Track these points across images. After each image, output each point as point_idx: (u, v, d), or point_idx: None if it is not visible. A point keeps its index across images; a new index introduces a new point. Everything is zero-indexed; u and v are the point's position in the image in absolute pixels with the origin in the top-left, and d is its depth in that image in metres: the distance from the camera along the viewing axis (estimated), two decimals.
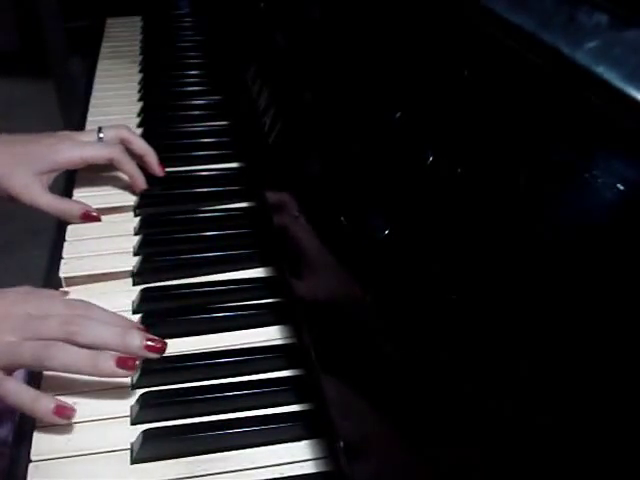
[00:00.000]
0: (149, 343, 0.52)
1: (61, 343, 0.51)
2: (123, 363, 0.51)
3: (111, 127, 0.76)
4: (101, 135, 0.74)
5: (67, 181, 0.77)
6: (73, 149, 0.71)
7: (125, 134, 0.75)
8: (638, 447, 0.27)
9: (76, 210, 0.70)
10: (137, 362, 0.52)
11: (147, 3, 1.27)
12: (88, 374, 0.51)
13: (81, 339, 0.51)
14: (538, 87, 0.39)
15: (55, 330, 0.51)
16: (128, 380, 0.53)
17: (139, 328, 0.54)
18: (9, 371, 0.51)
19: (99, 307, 0.55)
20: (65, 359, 0.50)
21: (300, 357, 0.55)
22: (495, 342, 0.35)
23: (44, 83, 2.12)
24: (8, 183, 0.68)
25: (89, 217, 0.71)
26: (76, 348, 0.51)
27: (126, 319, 0.56)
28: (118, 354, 0.51)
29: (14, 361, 0.50)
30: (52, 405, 0.49)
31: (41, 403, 0.50)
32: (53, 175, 0.71)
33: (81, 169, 0.76)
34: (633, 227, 0.31)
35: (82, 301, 0.56)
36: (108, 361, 0.50)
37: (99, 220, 0.71)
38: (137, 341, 0.52)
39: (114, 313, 0.55)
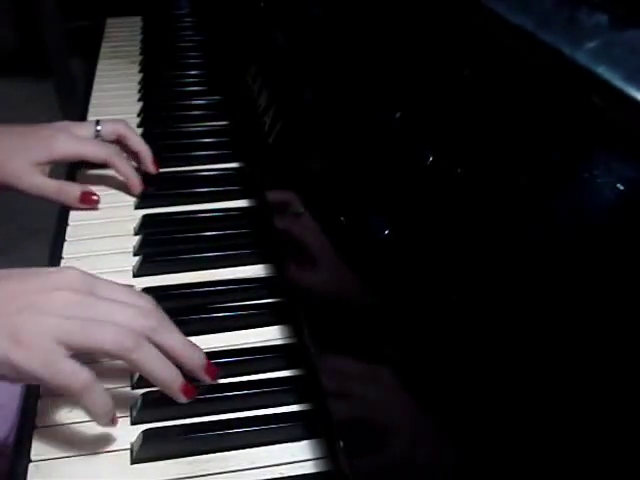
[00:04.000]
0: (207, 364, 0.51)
1: (148, 343, 0.47)
2: (186, 390, 0.49)
3: (109, 121, 0.76)
4: (99, 128, 0.74)
5: (67, 179, 0.77)
6: (70, 142, 0.71)
7: (122, 130, 0.75)
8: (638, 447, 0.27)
9: (75, 190, 0.71)
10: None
11: (147, 3, 1.27)
12: (159, 383, 0.48)
13: (159, 338, 0.48)
14: (538, 87, 0.39)
15: (135, 320, 0.47)
16: (128, 380, 0.53)
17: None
18: (73, 351, 0.45)
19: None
20: (149, 359, 0.47)
21: (300, 357, 0.55)
22: (495, 342, 0.35)
23: (44, 83, 2.12)
24: (5, 171, 0.68)
25: (88, 199, 0.71)
26: (159, 353, 0.48)
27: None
28: (185, 382, 0.49)
29: (92, 341, 0.45)
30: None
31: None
32: (49, 166, 0.71)
33: (81, 168, 0.76)
34: (633, 227, 0.31)
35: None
36: (179, 380, 0.49)
37: (98, 204, 0.72)
38: (201, 360, 0.51)
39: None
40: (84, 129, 0.74)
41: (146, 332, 0.47)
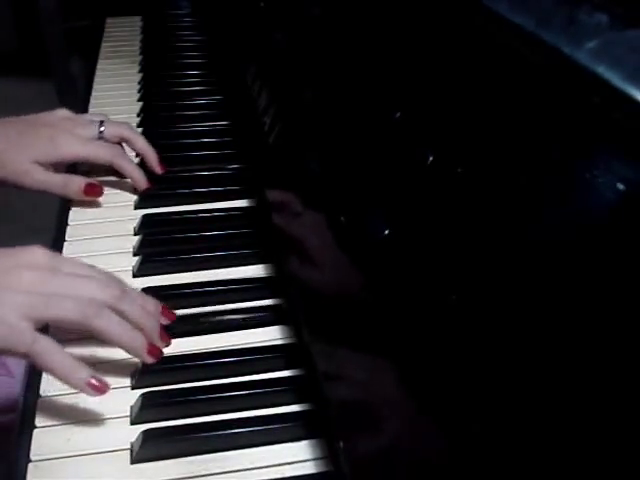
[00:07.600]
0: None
1: (110, 311, 0.50)
2: (151, 351, 0.52)
3: (113, 123, 0.75)
4: (102, 129, 0.73)
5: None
6: (72, 145, 0.70)
7: (126, 133, 0.75)
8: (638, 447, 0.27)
9: (80, 182, 0.70)
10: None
11: (147, 3, 1.27)
12: (123, 346, 0.51)
13: (122, 306, 0.51)
14: (538, 87, 0.39)
15: (98, 291, 0.51)
16: (128, 380, 0.53)
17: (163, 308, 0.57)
18: (40, 324, 0.49)
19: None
20: (110, 324, 0.50)
21: (300, 357, 0.55)
22: (495, 342, 0.35)
23: (44, 83, 2.12)
24: (6, 170, 0.68)
25: (92, 190, 0.71)
26: (120, 319, 0.51)
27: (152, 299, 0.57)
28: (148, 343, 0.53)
29: (55, 314, 0.49)
30: (84, 375, 0.49)
31: (77, 371, 0.49)
32: (50, 166, 0.70)
33: (81, 167, 0.76)
34: (633, 227, 0.31)
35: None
36: (143, 342, 0.52)
37: (102, 193, 0.72)
38: (156, 328, 0.54)
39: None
40: (87, 130, 0.73)
41: (107, 301, 0.51)
